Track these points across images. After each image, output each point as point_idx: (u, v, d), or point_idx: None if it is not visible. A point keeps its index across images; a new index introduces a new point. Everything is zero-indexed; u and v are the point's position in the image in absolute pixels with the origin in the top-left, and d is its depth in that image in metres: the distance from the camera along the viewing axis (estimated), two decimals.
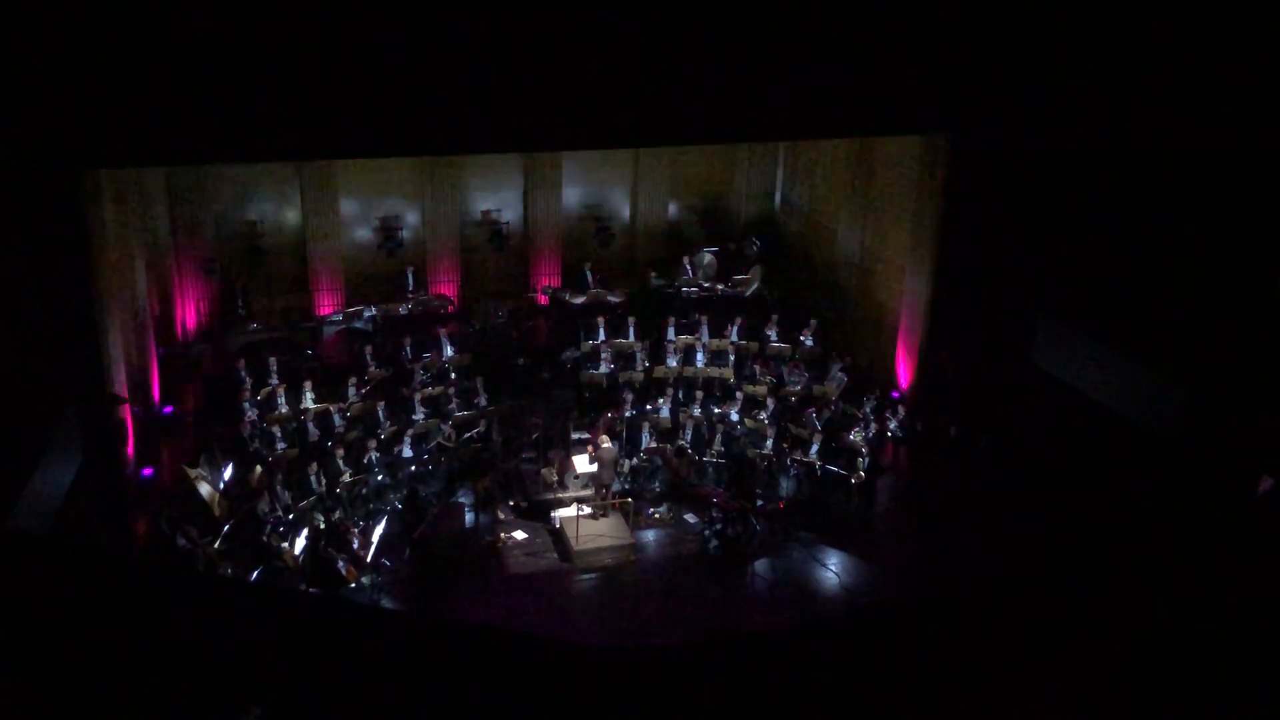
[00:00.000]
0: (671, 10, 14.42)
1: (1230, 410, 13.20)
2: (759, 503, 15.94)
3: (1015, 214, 16.61)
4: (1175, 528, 13.76)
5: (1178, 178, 13.76)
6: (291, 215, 21.09)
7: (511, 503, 16.52)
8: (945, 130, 17.48)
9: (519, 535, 15.96)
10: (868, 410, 17.93)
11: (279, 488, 15.24)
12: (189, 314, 20.28)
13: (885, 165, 19.80)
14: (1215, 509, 13.46)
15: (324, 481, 15.64)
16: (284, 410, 16.95)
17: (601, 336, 19.43)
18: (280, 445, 16.33)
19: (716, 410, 17.90)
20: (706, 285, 22.11)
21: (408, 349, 18.80)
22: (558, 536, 15.89)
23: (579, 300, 21.33)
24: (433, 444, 16.78)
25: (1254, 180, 12.86)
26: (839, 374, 18.86)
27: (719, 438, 17.34)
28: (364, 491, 16.09)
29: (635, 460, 17.07)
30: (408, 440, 16.72)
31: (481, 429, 17.24)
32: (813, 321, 19.83)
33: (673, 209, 23.64)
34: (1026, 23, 15.56)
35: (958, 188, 17.52)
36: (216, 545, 14.51)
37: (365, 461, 16.15)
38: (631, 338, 19.41)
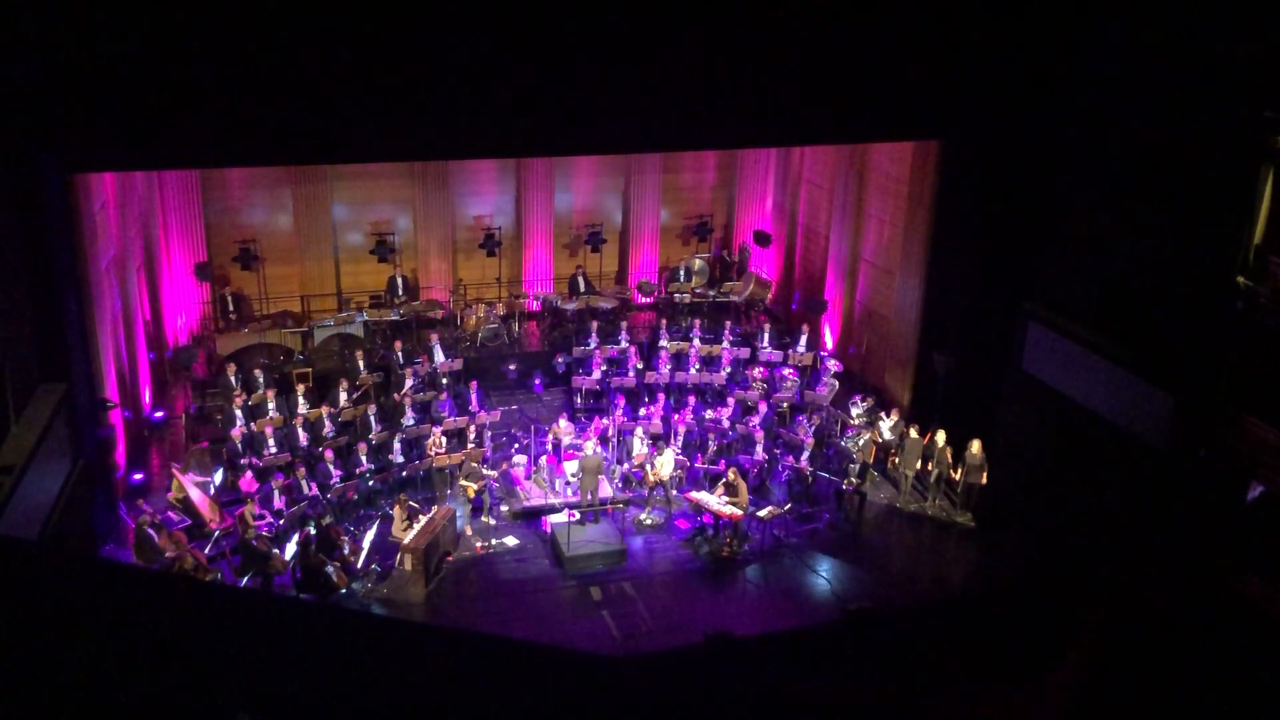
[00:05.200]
0: (660, 18, 14.47)
1: (1218, 417, 13.25)
2: (750, 509, 15.94)
3: (1005, 220, 16.69)
4: (1163, 534, 13.79)
5: (1168, 184, 13.82)
6: (284, 220, 21.05)
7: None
8: (936, 137, 17.54)
9: (510, 542, 15.94)
10: (859, 415, 17.94)
11: (269, 492, 15.20)
12: (180, 318, 20.21)
13: (876, 171, 19.84)
14: (1204, 515, 13.49)
15: (314, 486, 15.60)
16: (274, 415, 16.92)
17: (594, 342, 19.43)
18: (271, 450, 16.29)
19: (709, 416, 17.89)
20: (699, 291, 22.12)
21: (399, 354, 18.75)
22: (549, 542, 15.87)
23: (571, 306, 21.32)
24: (429, 454, 16.73)
25: (1242, 187, 12.92)
26: (830, 380, 18.89)
27: (711, 444, 17.34)
28: (354, 497, 16.06)
29: (626, 466, 17.05)
30: (398, 445, 16.69)
31: (473, 431, 17.21)
32: (805, 328, 19.86)
33: (665, 215, 23.64)
34: (1017, 31, 15.64)
35: (948, 194, 17.58)
36: (206, 550, 14.49)
37: (356, 468, 16.13)
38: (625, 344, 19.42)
